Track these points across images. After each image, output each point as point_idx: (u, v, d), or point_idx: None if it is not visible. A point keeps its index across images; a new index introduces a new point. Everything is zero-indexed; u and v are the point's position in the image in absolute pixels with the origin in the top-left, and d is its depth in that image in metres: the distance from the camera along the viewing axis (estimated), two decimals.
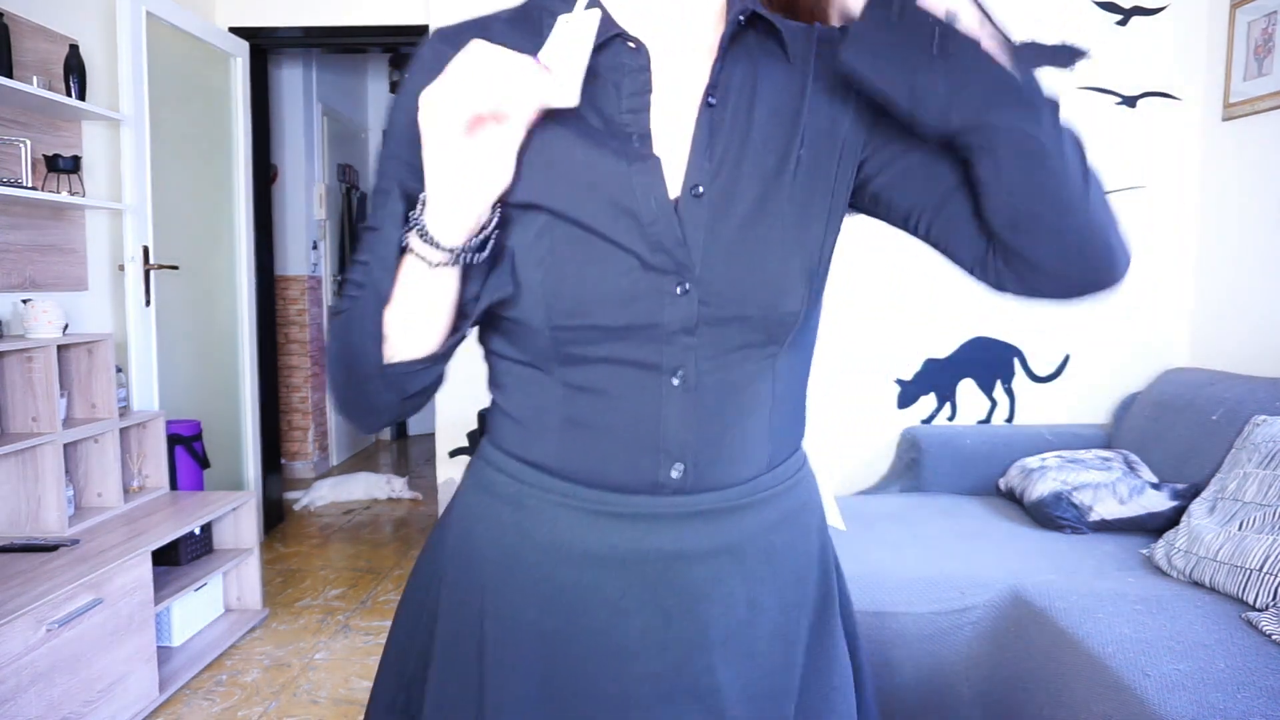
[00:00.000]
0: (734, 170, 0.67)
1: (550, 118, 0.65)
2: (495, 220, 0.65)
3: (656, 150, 0.67)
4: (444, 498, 3.06)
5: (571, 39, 0.62)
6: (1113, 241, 0.65)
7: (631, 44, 0.68)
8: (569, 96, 0.62)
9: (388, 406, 0.71)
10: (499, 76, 0.59)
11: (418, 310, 0.66)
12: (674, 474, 0.69)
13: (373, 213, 0.68)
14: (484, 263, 0.66)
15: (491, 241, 0.65)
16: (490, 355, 0.75)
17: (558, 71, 0.61)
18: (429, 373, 0.70)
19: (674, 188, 0.67)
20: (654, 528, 0.71)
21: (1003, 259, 0.66)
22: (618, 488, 0.70)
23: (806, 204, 0.68)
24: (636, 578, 0.71)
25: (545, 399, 0.71)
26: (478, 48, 0.60)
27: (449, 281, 0.66)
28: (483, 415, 2.92)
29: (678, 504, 0.70)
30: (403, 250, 0.65)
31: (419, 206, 0.64)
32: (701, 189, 0.66)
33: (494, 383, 0.76)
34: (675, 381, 0.68)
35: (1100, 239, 0.64)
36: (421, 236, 0.64)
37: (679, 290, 0.65)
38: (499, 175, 0.63)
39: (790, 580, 0.77)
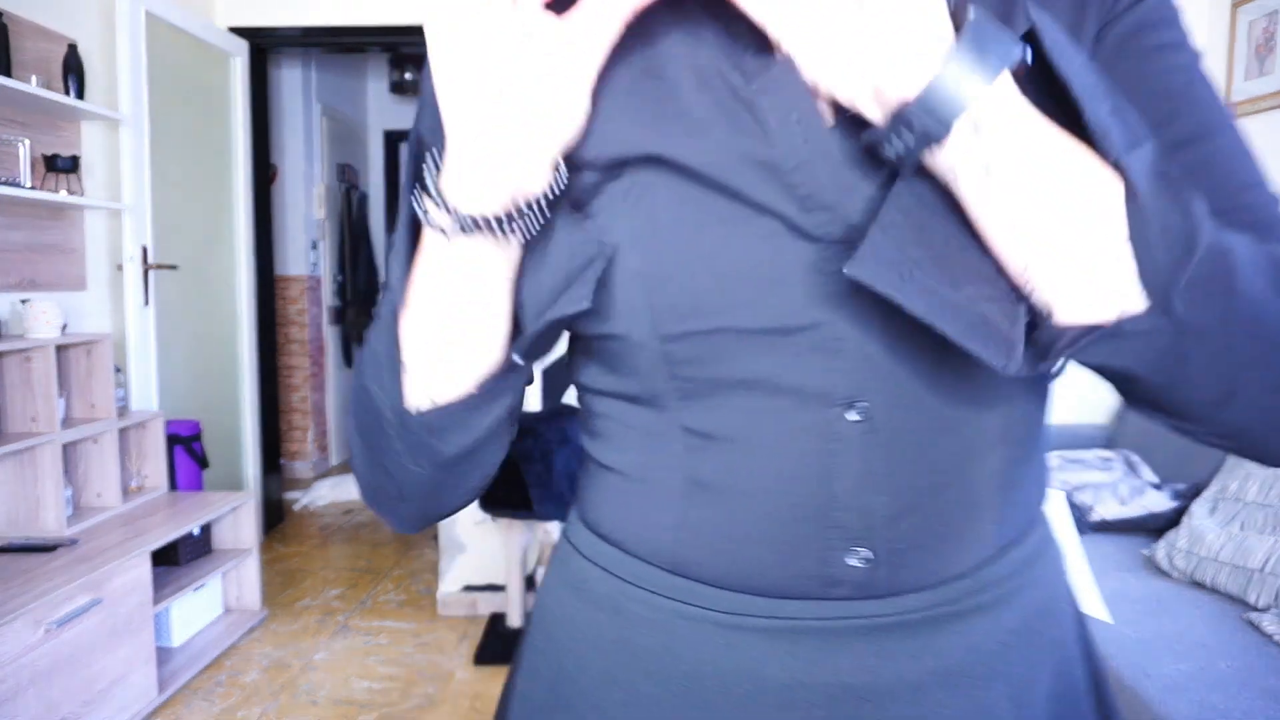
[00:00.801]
0: None
1: (636, 32, 0.45)
2: (560, 182, 0.45)
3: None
4: None
5: None
6: None
7: None
8: None
9: (416, 484, 0.51)
10: None
11: (440, 314, 0.46)
12: (856, 563, 0.47)
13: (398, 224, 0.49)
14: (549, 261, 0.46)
15: (544, 207, 0.44)
16: (582, 391, 0.54)
17: None
18: (468, 425, 0.48)
19: (827, 109, 0.44)
20: (828, 650, 0.48)
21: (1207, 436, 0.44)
22: (768, 589, 0.48)
23: None
24: None
25: (658, 453, 0.49)
26: None
27: (484, 270, 0.45)
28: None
29: (864, 612, 0.48)
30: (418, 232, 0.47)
31: (434, 158, 0.45)
32: None
33: (588, 430, 0.55)
34: (853, 417, 0.45)
35: None
36: (435, 198, 0.44)
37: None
38: (563, 113, 0.43)
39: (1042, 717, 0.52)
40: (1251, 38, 2.70)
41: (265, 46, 3.79)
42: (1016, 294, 0.41)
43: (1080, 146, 0.39)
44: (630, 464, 0.51)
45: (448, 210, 0.44)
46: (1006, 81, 0.38)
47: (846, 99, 0.40)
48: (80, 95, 2.67)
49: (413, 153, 0.49)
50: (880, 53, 0.38)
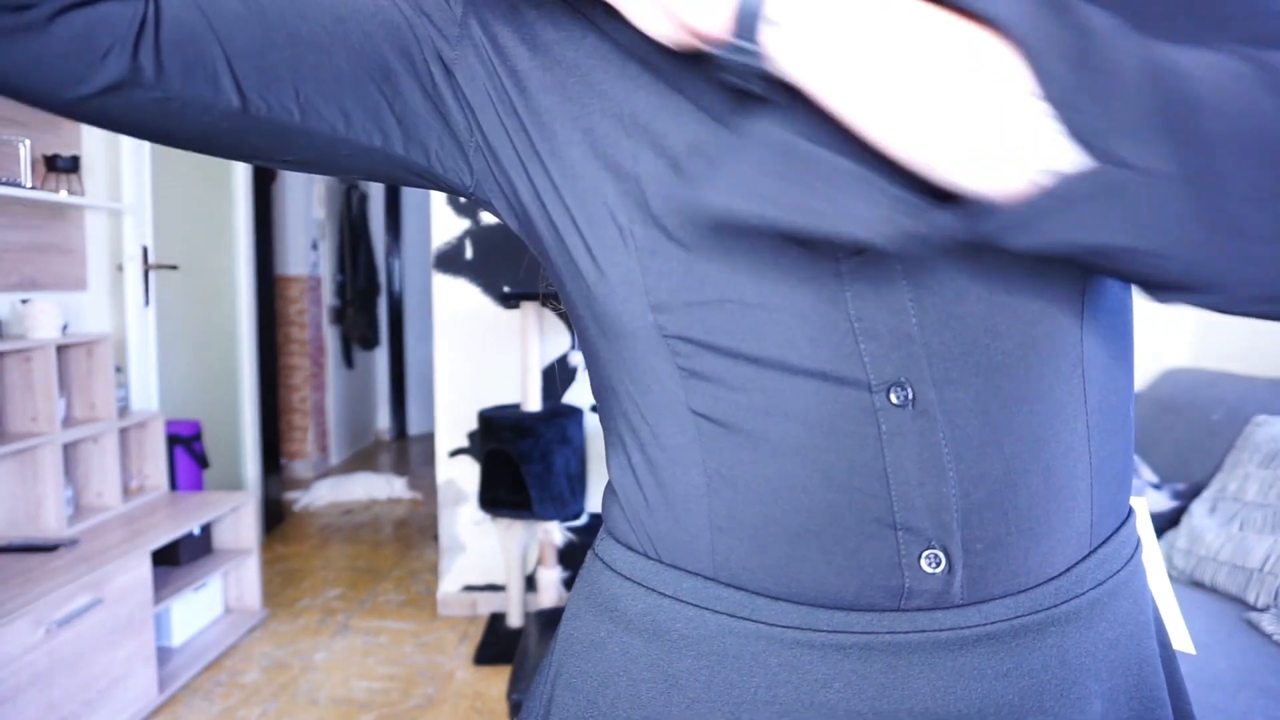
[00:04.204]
0: None
1: None
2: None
3: None
4: (444, 498, 3.05)
5: None
6: None
7: None
8: None
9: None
10: None
11: None
12: (930, 567, 0.41)
13: None
14: None
15: None
16: (603, 400, 0.50)
17: None
18: None
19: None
20: (903, 671, 0.42)
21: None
22: (828, 599, 0.42)
23: None
24: None
25: (674, 444, 0.45)
26: None
27: None
28: (484, 417, 2.85)
29: (943, 624, 0.42)
30: None
31: None
32: None
33: (608, 441, 0.50)
34: (894, 399, 0.40)
35: None
36: None
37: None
38: None
39: None
40: None
41: None
42: (920, 188, 0.36)
43: (924, 7, 0.35)
44: (649, 462, 0.46)
45: None
46: None
47: (669, 40, 0.39)
48: None
49: None
50: None
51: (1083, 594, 0.44)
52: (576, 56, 0.45)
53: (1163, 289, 0.35)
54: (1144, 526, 0.52)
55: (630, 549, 0.48)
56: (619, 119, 0.44)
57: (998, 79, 0.33)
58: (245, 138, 0.46)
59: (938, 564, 0.41)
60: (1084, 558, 0.44)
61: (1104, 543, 0.45)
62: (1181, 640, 0.50)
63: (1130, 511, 0.48)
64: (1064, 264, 0.37)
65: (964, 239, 0.36)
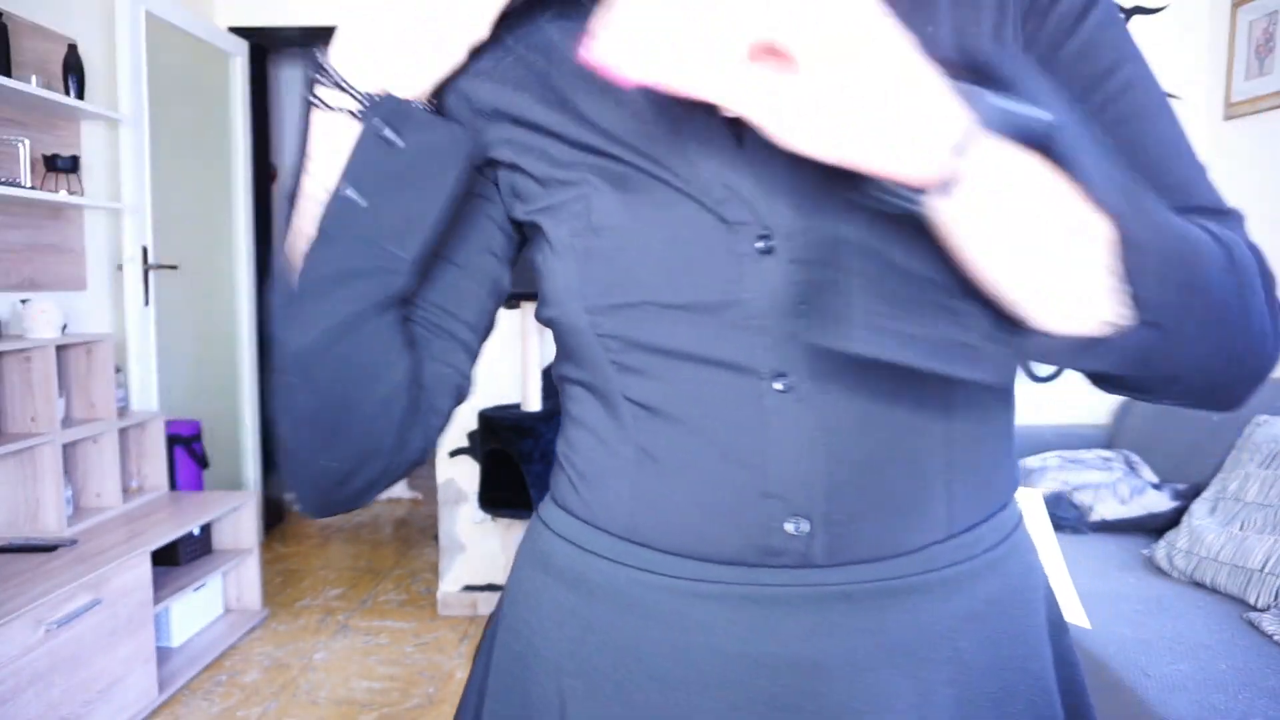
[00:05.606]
0: None
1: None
2: (433, 106, 0.51)
3: None
4: (444, 498, 3.05)
5: None
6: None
7: None
8: None
9: (295, 409, 0.51)
10: None
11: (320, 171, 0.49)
12: (793, 529, 0.48)
13: None
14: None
15: (427, 105, 0.50)
16: (559, 384, 0.59)
17: None
18: (319, 301, 0.48)
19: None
20: (772, 619, 0.49)
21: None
22: (715, 556, 0.50)
23: None
24: (745, 699, 0.49)
25: (610, 429, 0.52)
26: None
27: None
28: (485, 416, 2.88)
29: (806, 580, 0.49)
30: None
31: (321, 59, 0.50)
32: None
33: (564, 419, 0.58)
34: (779, 388, 0.48)
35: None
36: (331, 71, 0.48)
37: (759, 246, 0.46)
38: (473, 23, 0.49)
39: (991, 709, 0.52)
40: (1251, 38, 2.70)
41: (265, 46, 3.79)
42: (998, 316, 0.43)
43: (1063, 186, 0.40)
44: (587, 443, 0.54)
45: (340, 85, 0.48)
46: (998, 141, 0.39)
47: (869, 169, 0.40)
48: (80, 95, 2.67)
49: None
50: (895, 136, 0.37)
51: (937, 570, 0.50)
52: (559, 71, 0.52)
53: (1110, 387, 0.47)
54: (1036, 515, 0.61)
55: (566, 511, 0.56)
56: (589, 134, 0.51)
57: (1094, 254, 0.40)
58: None
59: (799, 529, 0.48)
60: (941, 540, 0.50)
61: (967, 530, 0.52)
62: (1075, 614, 0.57)
63: (1008, 509, 0.55)
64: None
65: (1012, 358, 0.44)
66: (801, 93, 0.36)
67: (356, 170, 0.48)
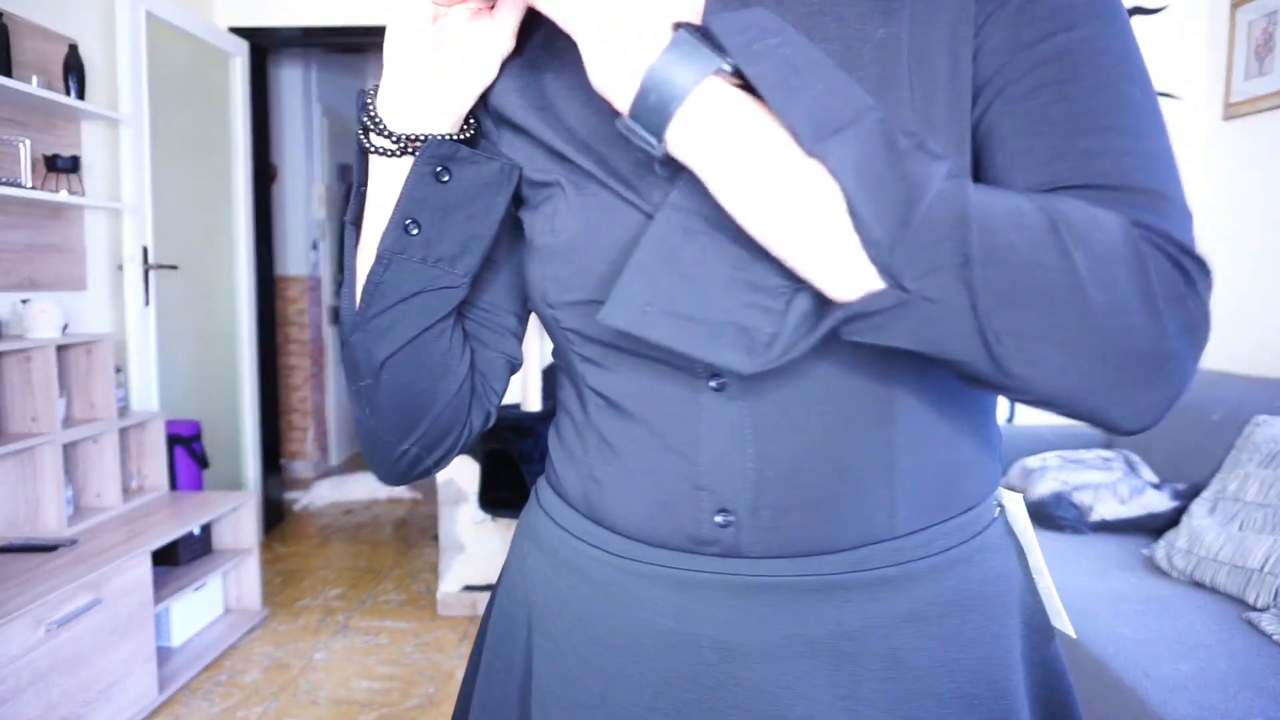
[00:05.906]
0: None
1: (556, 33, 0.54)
2: (470, 127, 0.56)
3: None
4: (444, 498, 3.05)
5: None
6: (1136, 324, 0.40)
7: None
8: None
9: (384, 413, 0.57)
10: None
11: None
12: (721, 521, 0.51)
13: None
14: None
15: (456, 137, 0.54)
16: (554, 372, 0.65)
17: None
18: (394, 320, 0.54)
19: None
20: (699, 603, 0.52)
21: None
22: (656, 540, 0.53)
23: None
24: (674, 673, 0.53)
25: (580, 415, 0.58)
26: None
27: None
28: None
29: (730, 569, 0.51)
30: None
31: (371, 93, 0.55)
32: None
33: (556, 407, 0.64)
34: (713, 385, 0.50)
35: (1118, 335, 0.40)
36: (371, 119, 0.54)
37: None
38: (477, 65, 0.53)
39: (935, 709, 0.52)
40: (1251, 38, 2.70)
41: (265, 46, 3.79)
42: (795, 283, 0.44)
43: (787, 140, 0.41)
44: (569, 424, 0.60)
45: (384, 131, 0.53)
46: (715, 85, 0.42)
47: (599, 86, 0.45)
48: (80, 95, 2.67)
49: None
50: (609, 44, 0.43)
51: (871, 569, 0.51)
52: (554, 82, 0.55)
53: (969, 381, 0.44)
54: (1020, 520, 0.57)
55: (550, 487, 0.62)
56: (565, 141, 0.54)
57: (830, 215, 0.40)
58: None
59: (727, 522, 0.51)
60: (879, 541, 0.51)
61: (913, 533, 0.52)
62: (1059, 621, 0.56)
63: (972, 515, 0.54)
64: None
65: (816, 338, 0.43)
66: None
67: (412, 204, 0.53)
